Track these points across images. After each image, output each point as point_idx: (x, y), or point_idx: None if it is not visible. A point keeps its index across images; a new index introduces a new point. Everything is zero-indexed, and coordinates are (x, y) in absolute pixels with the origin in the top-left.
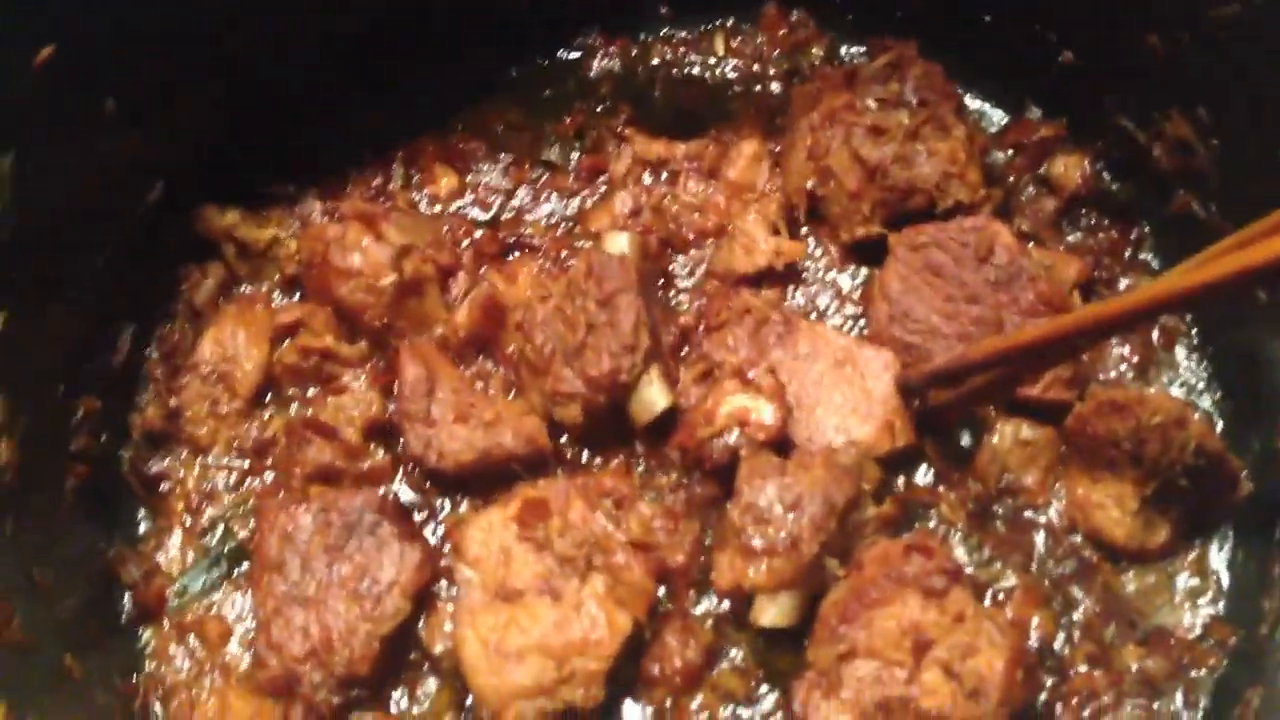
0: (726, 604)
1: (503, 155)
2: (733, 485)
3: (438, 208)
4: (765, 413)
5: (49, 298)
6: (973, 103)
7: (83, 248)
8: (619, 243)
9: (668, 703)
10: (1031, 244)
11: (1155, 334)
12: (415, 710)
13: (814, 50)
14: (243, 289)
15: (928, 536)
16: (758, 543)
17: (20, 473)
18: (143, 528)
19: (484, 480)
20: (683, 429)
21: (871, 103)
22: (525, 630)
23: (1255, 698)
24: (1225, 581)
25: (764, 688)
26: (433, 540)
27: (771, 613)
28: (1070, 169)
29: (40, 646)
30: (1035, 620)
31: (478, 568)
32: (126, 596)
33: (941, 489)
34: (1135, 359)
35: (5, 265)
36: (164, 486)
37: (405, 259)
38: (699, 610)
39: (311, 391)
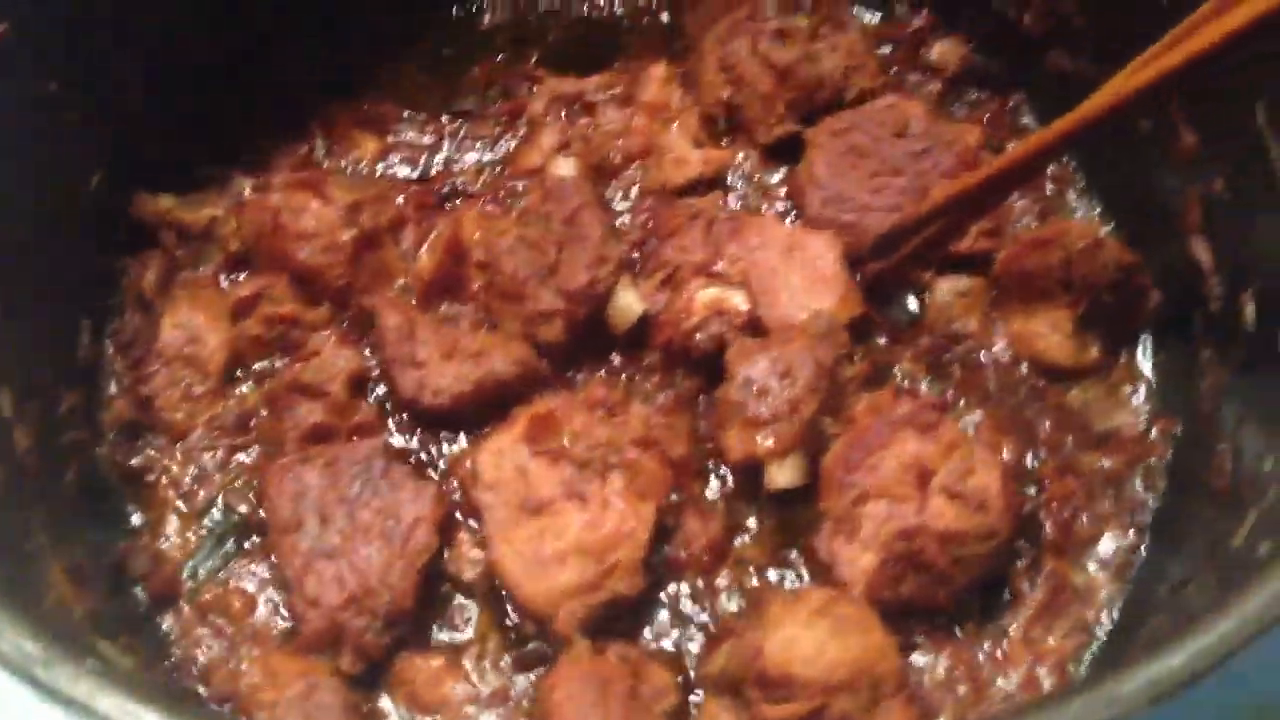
0: (731, 483)
1: (417, 113)
2: (715, 375)
3: (364, 171)
4: (738, 299)
5: (17, 289)
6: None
7: (36, 243)
8: (566, 166)
9: (699, 583)
10: None
11: (1048, 186)
12: (459, 639)
13: None
14: (185, 274)
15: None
16: (762, 412)
17: (40, 459)
18: (136, 520)
19: (477, 413)
20: (662, 329)
21: (770, 10)
22: (560, 535)
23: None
24: (1154, 380)
25: (785, 550)
26: (435, 478)
27: (786, 474)
28: (947, 53)
29: (75, 635)
30: (1004, 445)
31: (497, 489)
32: (138, 588)
33: (897, 348)
34: (1037, 209)
35: None
36: (150, 477)
37: (358, 213)
38: (708, 495)
39: (279, 362)
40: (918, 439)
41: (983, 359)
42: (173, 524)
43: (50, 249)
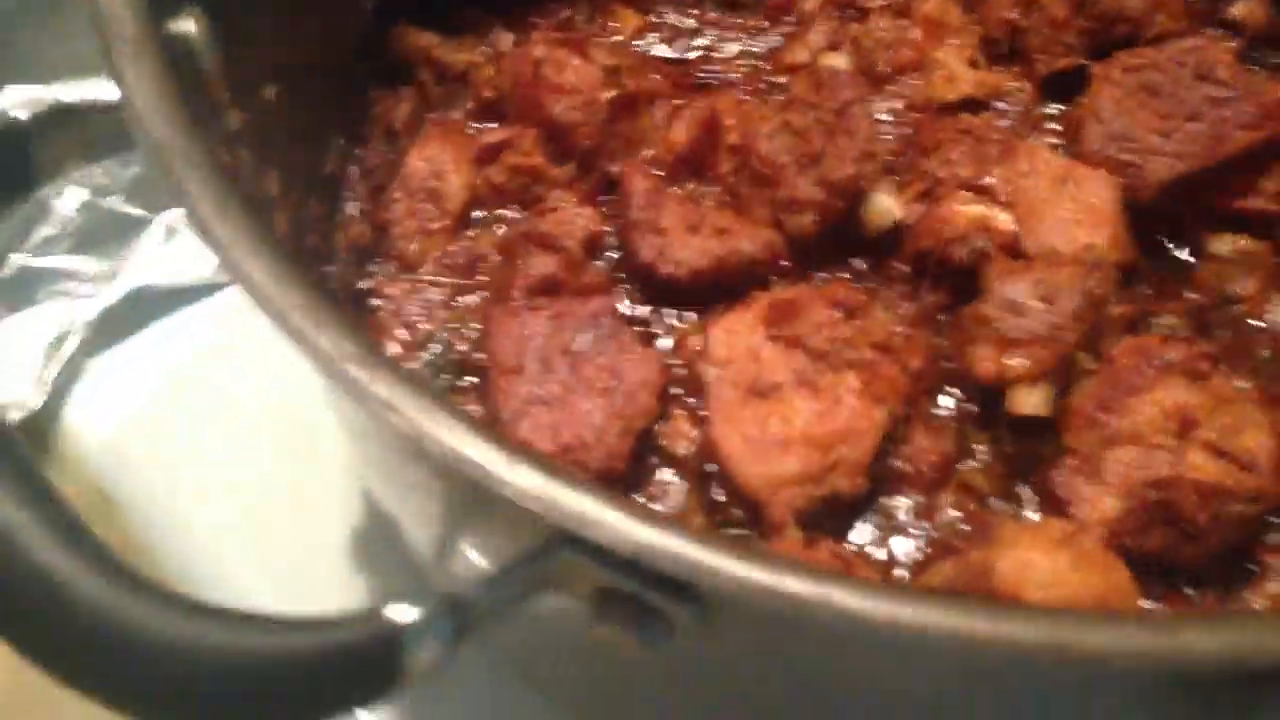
0: (966, 406)
1: None
2: (964, 294)
3: (621, 44)
4: (1002, 219)
5: (288, 92)
6: None
7: (309, 58)
8: (840, 59)
9: (920, 499)
10: None
11: None
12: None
13: None
14: (436, 114)
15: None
16: (1018, 333)
17: (293, 250)
18: None
19: (711, 291)
20: (918, 237)
21: None
22: (788, 421)
23: None
24: None
25: (1014, 484)
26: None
27: (1031, 400)
28: (1252, 11)
29: None
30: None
31: (727, 367)
32: None
33: (1163, 301)
34: None
35: (272, 39)
36: (375, 302)
37: (619, 75)
38: (940, 414)
39: (517, 214)
40: (1185, 387)
41: (1255, 327)
42: (392, 351)
43: (321, 66)
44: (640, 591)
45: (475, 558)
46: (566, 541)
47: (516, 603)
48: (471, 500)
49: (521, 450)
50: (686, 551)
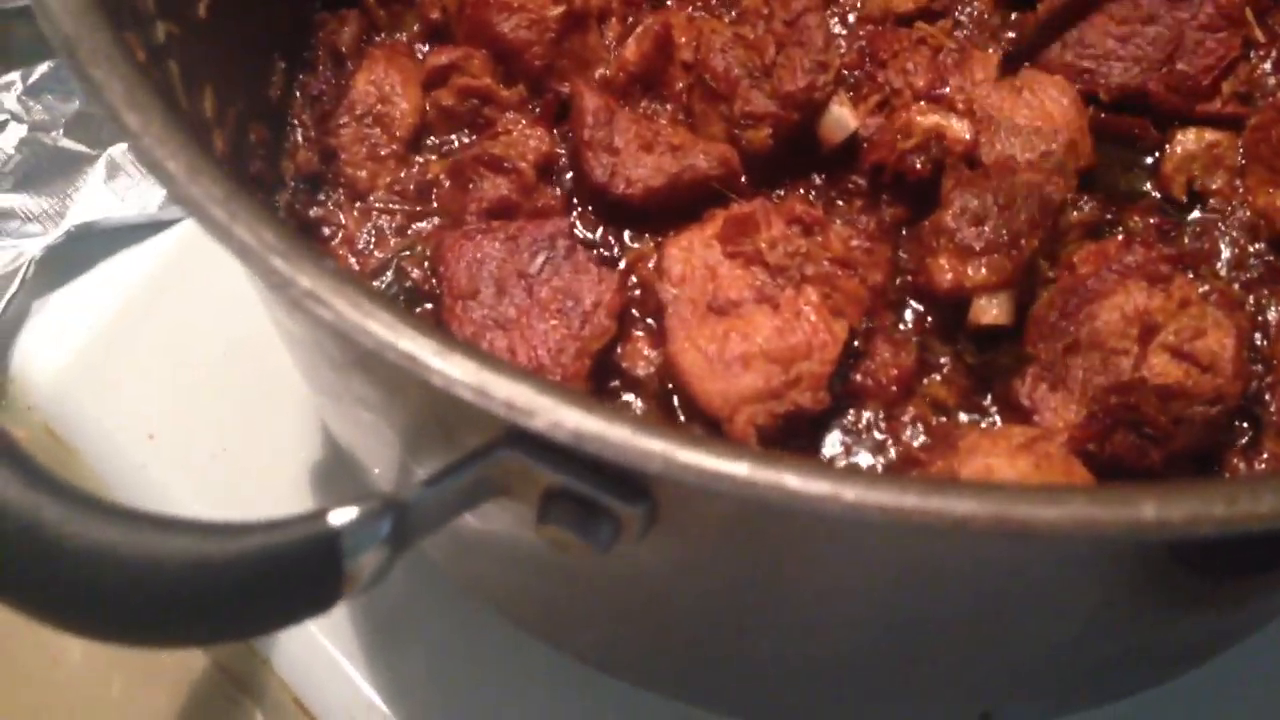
0: (926, 320)
1: None
2: (922, 207)
3: None
4: (960, 128)
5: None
6: None
7: None
8: None
9: (881, 414)
10: None
11: None
12: None
13: None
14: (381, 38)
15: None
16: (976, 242)
17: (233, 165)
18: None
19: (666, 211)
20: (875, 149)
21: None
22: (747, 337)
23: None
24: None
25: (977, 395)
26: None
27: (993, 311)
28: None
29: None
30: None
31: (683, 285)
32: None
33: (1126, 206)
34: None
35: None
36: (325, 230)
37: None
38: (901, 328)
39: (467, 138)
40: (1146, 291)
41: (1218, 232)
42: None
43: None
44: (587, 490)
45: (418, 463)
46: (506, 439)
47: (460, 507)
48: (411, 403)
49: (453, 340)
50: (629, 436)
